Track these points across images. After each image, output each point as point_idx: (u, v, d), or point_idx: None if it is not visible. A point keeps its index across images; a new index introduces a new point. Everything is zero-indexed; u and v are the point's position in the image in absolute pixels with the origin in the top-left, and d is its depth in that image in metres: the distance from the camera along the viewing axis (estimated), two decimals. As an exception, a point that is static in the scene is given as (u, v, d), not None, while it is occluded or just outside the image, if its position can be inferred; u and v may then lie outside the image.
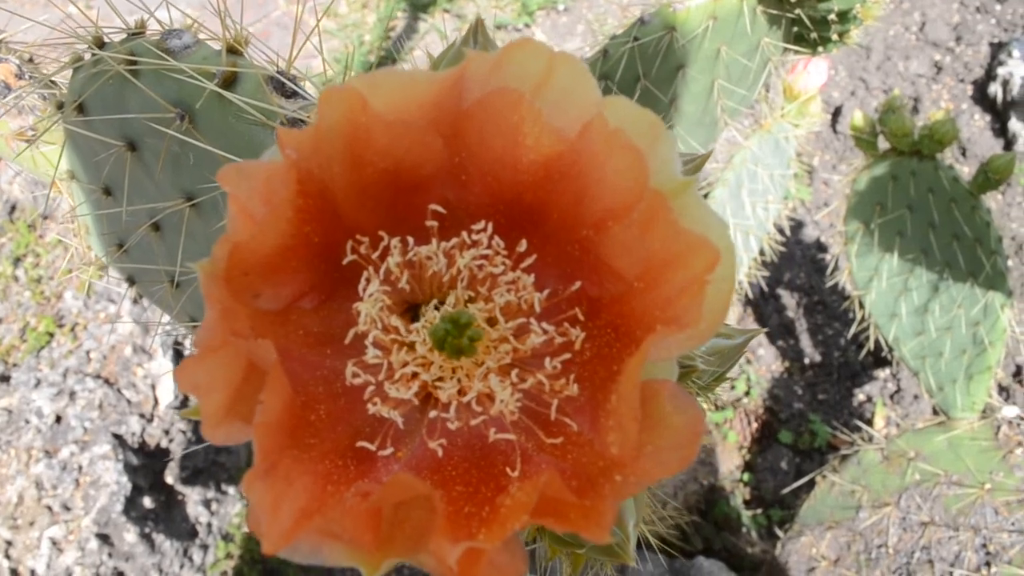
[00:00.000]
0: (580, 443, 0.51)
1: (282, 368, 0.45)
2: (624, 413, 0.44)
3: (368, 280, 0.51)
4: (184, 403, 2.81)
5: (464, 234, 0.51)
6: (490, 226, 0.51)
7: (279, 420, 0.44)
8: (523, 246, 0.51)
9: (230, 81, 0.71)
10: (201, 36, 0.77)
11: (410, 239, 0.51)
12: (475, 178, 0.49)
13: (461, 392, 0.51)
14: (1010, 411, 2.07)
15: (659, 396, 0.46)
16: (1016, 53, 3.51)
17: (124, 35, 0.79)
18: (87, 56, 0.83)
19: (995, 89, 3.55)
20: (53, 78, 0.98)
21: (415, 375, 0.52)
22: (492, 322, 0.53)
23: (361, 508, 0.46)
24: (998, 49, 3.73)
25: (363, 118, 0.43)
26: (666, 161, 0.44)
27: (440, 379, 0.52)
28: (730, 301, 0.45)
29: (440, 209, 0.51)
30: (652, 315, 0.46)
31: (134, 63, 0.75)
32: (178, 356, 2.86)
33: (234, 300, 0.45)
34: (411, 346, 0.52)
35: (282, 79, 0.70)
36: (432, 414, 0.52)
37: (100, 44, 0.80)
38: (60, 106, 0.92)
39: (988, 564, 1.82)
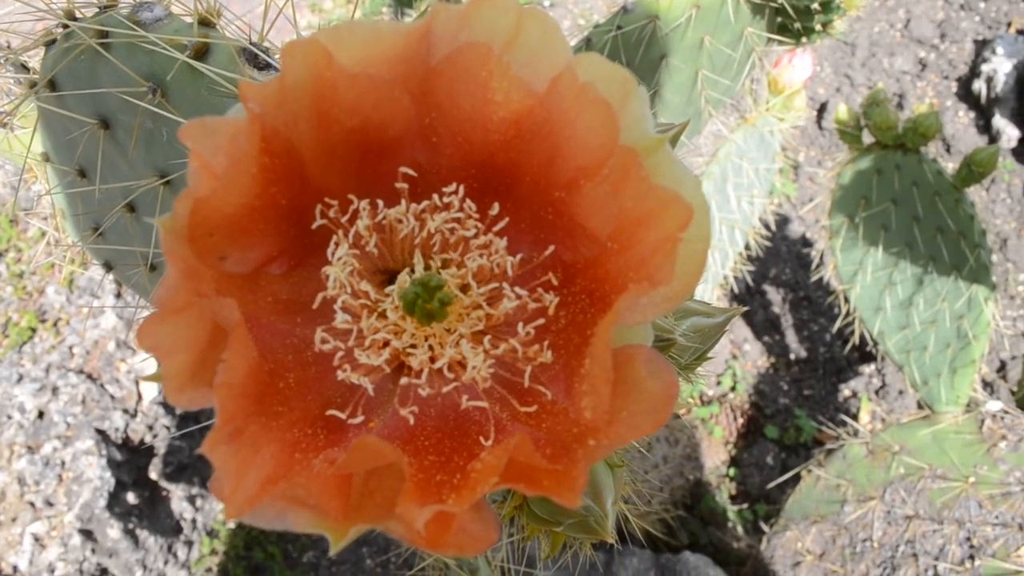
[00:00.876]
0: (555, 411, 0.50)
1: (247, 329, 0.44)
2: (597, 375, 0.43)
3: (337, 244, 0.50)
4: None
5: (435, 197, 0.50)
6: (461, 189, 0.49)
7: (242, 383, 0.43)
8: (495, 209, 0.50)
9: (202, 53, 0.70)
10: (174, 10, 0.76)
11: (380, 202, 0.50)
12: (446, 139, 0.48)
13: (432, 359, 0.50)
14: (994, 405, 2.07)
15: (634, 361, 0.45)
16: (1000, 50, 3.53)
17: (96, 9, 0.78)
18: (59, 32, 0.82)
19: (979, 86, 3.56)
20: (30, 65, 0.97)
21: (386, 342, 0.51)
22: (465, 289, 0.52)
23: (328, 474, 0.45)
24: (982, 46, 3.75)
25: (328, 73, 0.42)
26: (638, 118, 0.43)
27: (412, 346, 0.51)
28: (704, 262, 0.44)
29: (410, 171, 0.50)
30: (626, 277, 0.45)
31: (105, 35, 0.74)
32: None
33: (198, 260, 0.44)
34: (382, 313, 0.51)
35: (255, 51, 0.69)
36: (404, 381, 0.51)
37: (72, 18, 0.78)
38: (34, 85, 0.90)
39: (972, 557, 1.82)
